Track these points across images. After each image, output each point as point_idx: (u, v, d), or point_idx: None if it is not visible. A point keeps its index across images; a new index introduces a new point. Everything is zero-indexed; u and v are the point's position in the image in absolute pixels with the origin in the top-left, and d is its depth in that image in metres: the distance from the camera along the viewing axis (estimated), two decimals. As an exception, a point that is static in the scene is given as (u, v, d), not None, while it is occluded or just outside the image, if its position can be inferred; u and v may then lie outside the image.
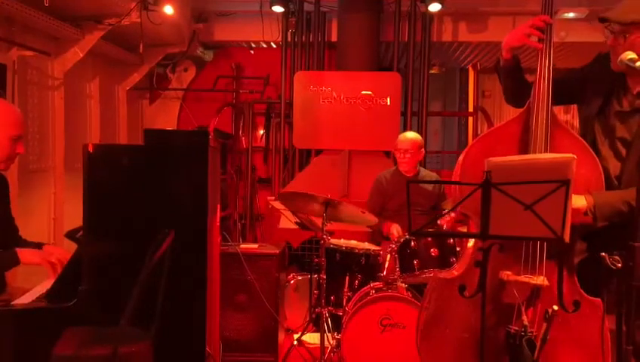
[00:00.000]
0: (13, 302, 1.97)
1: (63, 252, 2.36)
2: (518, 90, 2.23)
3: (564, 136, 2.05)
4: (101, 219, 1.81)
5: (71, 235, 2.01)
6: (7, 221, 2.45)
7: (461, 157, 2.13)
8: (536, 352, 1.91)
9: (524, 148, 2.05)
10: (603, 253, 1.81)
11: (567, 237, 1.79)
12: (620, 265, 1.77)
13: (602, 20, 2.04)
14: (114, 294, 1.76)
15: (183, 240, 1.85)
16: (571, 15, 5.20)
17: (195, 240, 1.90)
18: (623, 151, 2.06)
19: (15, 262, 2.17)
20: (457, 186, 2.08)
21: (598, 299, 2.04)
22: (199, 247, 1.90)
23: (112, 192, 1.80)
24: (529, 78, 2.25)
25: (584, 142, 2.05)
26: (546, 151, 2.01)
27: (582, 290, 2.04)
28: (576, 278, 2.05)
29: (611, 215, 1.98)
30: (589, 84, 2.13)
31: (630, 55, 1.83)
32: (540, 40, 2.07)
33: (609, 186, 2.05)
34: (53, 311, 1.83)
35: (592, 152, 2.04)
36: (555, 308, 1.89)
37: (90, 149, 1.78)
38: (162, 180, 1.81)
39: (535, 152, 2.02)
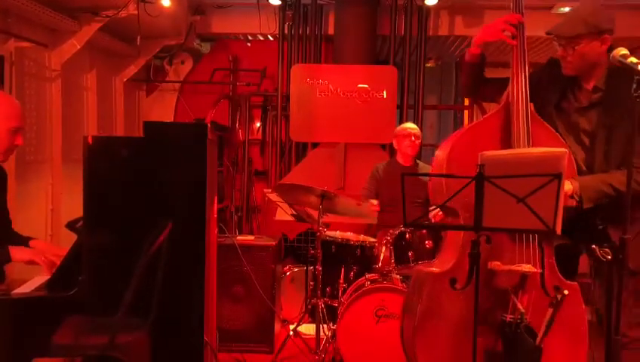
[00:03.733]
0: (13, 292, 2.00)
1: (52, 248, 2.40)
2: (478, 84, 2.39)
3: (540, 128, 2.16)
4: (101, 209, 1.83)
5: (71, 226, 2.03)
6: (2, 213, 2.47)
7: (446, 151, 2.16)
8: (539, 337, 1.94)
9: (507, 142, 2.14)
10: (594, 246, 1.88)
11: (558, 229, 1.84)
12: (610, 257, 1.83)
13: (550, 34, 2.22)
14: (113, 284, 1.79)
15: (182, 230, 1.88)
16: (567, 9, 5.23)
17: (193, 230, 1.92)
18: (587, 142, 2.23)
19: (6, 258, 2.19)
20: (444, 181, 2.11)
21: (575, 283, 2.13)
22: (198, 237, 1.93)
23: (111, 183, 1.83)
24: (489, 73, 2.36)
25: (557, 133, 2.19)
26: (528, 143, 2.10)
27: (560, 275, 2.12)
28: (555, 264, 2.12)
29: (596, 197, 2.12)
30: (543, 84, 2.26)
31: (622, 51, 1.88)
32: (514, 37, 2.20)
33: (581, 175, 2.18)
34: (53, 300, 1.85)
35: (564, 143, 2.17)
36: (566, 292, 1.96)
37: (90, 141, 1.80)
38: (161, 171, 1.84)
39: (519, 145, 2.10)
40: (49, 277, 2.11)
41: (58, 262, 2.17)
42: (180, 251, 1.90)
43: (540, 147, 2.09)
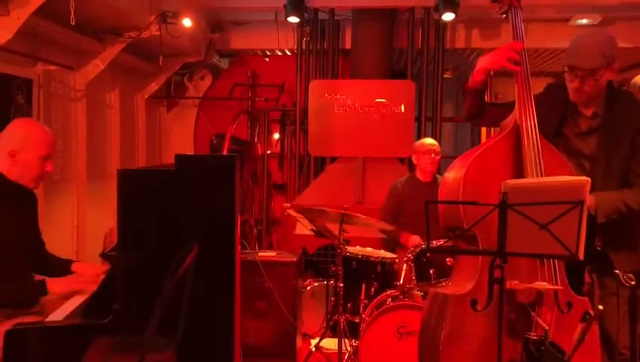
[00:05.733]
0: (46, 319, 2.07)
1: (95, 268, 2.46)
2: (480, 109, 2.42)
3: (550, 153, 2.20)
4: (134, 240, 1.89)
5: (104, 255, 2.10)
6: (36, 236, 2.55)
7: (459, 175, 2.19)
8: (569, 353, 1.95)
9: (519, 166, 2.18)
10: (617, 271, 1.91)
11: (581, 255, 1.86)
12: (633, 282, 1.85)
13: (569, 66, 2.24)
14: (146, 309, 1.85)
15: (213, 254, 1.93)
16: (584, 21, 5.23)
17: (223, 256, 1.97)
18: (588, 166, 2.31)
19: (44, 293, 2.25)
20: (461, 206, 2.14)
21: (586, 298, 2.17)
22: (227, 262, 1.98)
23: (144, 214, 1.88)
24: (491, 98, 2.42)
25: (564, 158, 2.23)
26: (539, 169, 2.13)
27: (572, 291, 2.15)
28: (567, 281, 2.16)
29: (610, 212, 2.18)
30: (542, 111, 2.26)
31: (643, 79, 1.91)
32: (517, 63, 2.22)
33: None
34: (87, 327, 1.92)
35: (571, 166, 2.23)
36: (601, 307, 1.98)
37: (124, 174, 1.87)
38: (193, 202, 1.89)
39: (531, 171, 2.13)
40: (82, 301, 2.19)
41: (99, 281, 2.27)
42: (209, 276, 1.95)
43: (551, 172, 2.14)
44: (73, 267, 2.47)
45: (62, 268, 2.45)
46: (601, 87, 2.24)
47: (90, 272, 2.37)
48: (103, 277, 2.21)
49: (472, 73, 2.36)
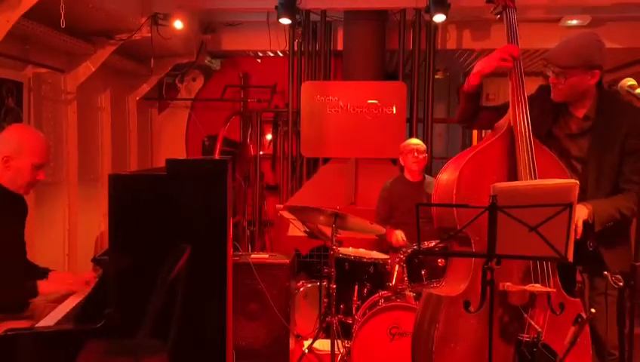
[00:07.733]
0: (38, 325, 2.06)
1: (71, 276, 2.48)
2: (474, 113, 2.44)
3: (543, 155, 2.22)
4: (126, 244, 1.89)
5: (97, 260, 2.10)
6: (21, 243, 2.54)
7: (454, 176, 2.21)
8: (561, 356, 1.97)
9: (513, 167, 2.21)
10: (606, 272, 1.93)
11: (570, 257, 1.88)
12: (621, 283, 1.87)
13: (547, 62, 2.29)
14: (139, 313, 1.85)
15: (204, 258, 1.93)
16: (574, 22, 5.26)
17: (215, 258, 1.97)
18: (579, 167, 2.33)
19: (34, 294, 2.28)
20: (455, 208, 2.16)
21: (578, 299, 2.19)
22: (219, 266, 1.98)
23: (136, 219, 1.88)
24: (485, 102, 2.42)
25: (558, 160, 2.26)
26: (533, 171, 2.16)
27: (564, 293, 2.18)
28: (559, 282, 2.18)
29: (606, 221, 2.20)
30: (534, 113, 2.29)
31: (630, 82, 1.92)
32: (510, 68, 2.26)
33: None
34: (79, 332, 1.91)
35: (564, 167, 2.25)
36: (593, 310, 2.00)
37: (115, 178, 1.87)
38: (184, 206, 1.89)
39: (525, 173, 2.16)
40: (74, 306, 2.19)
41: (77, 286, 2.29)
42: (201, 278, 1.96)
43: (545, 174, 2.16)
44: (51, 275, 2.48)
45: (41, 276, 2.45)
46: (576, 88, 2.25)
47: (68, 279, 2.39)
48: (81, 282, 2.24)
49: (468, 77, 2.38)
